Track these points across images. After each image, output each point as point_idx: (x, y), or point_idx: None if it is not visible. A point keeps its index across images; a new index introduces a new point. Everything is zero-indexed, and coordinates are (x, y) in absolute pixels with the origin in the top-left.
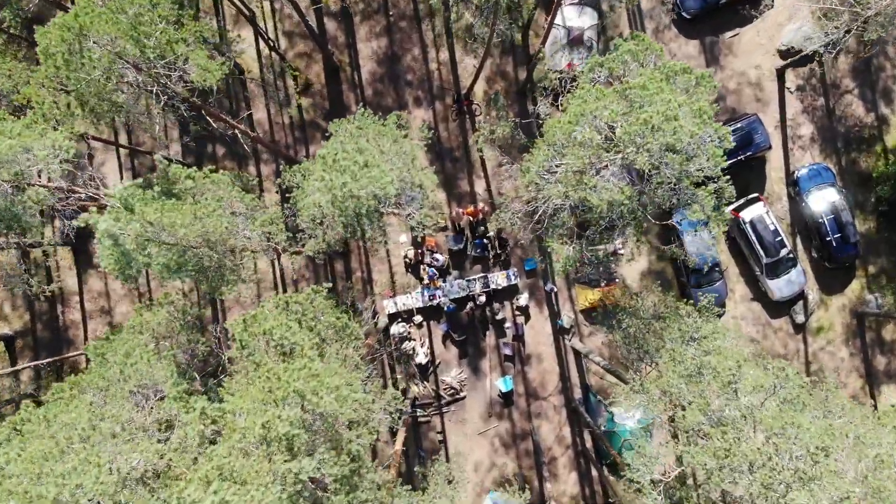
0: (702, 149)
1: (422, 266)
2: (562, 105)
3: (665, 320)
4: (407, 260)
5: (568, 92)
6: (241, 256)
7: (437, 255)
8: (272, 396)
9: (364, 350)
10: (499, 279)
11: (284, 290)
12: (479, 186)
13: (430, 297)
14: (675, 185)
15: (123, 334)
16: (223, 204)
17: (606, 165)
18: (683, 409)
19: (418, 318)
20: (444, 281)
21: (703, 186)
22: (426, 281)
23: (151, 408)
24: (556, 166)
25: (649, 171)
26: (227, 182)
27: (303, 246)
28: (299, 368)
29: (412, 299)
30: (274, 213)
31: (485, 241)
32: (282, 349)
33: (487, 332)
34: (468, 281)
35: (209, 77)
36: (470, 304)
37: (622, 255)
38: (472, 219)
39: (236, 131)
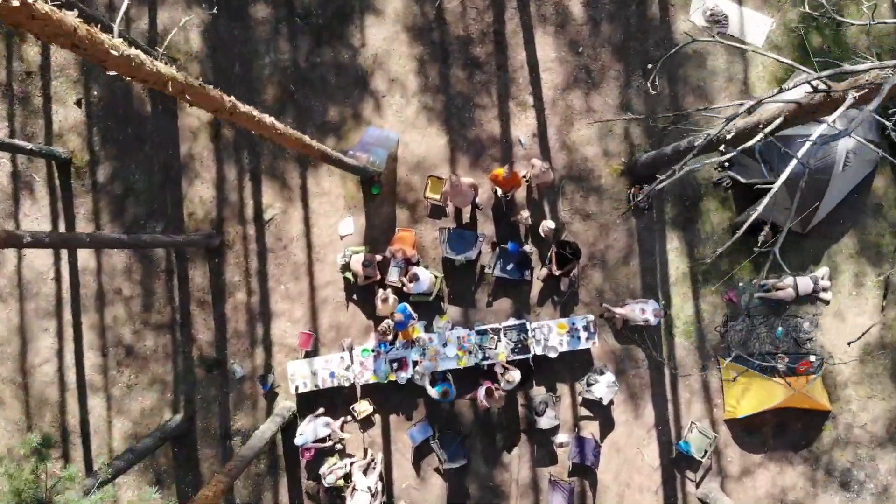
0: None
1: (379, 291)
2: None
3: None
4: (350, 277)
5: None
6: None
7: (417, 270)
8: None
9: None
10: (553, 334)
11: (76, 316)
12: (520, 128)
13: (392, 363)
14: None
15: None
16: None
17: None
18: None
19: (363, 408)
20: (427, 330)
21: None
22: (385, 329)
23: None
24: None
25: None
26: None
27: None
28: None
29: (350, 367)
30: None
31: (525, 248)
32: None
33: (516, 453)
34: (480, 334)
35: None
36: (483, 389)
37: (827, 298)
38: (503, 194)
39: None
